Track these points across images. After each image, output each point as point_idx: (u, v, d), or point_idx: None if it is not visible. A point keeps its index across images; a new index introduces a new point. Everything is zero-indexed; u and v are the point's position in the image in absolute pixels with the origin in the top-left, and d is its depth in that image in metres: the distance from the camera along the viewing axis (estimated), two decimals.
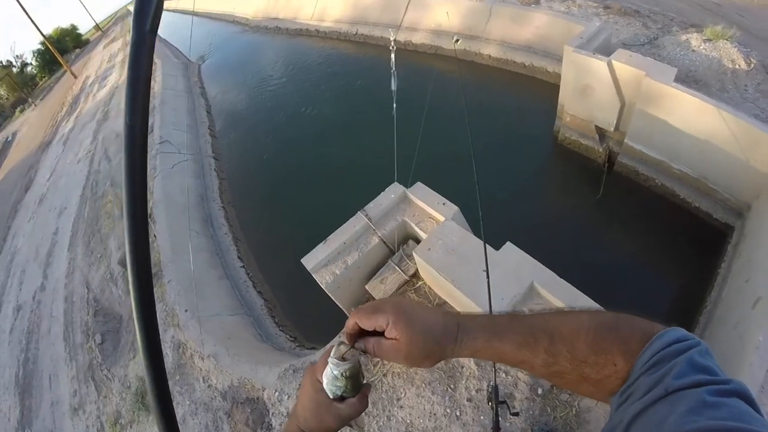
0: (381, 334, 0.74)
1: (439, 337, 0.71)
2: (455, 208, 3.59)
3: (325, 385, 0.75)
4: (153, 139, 8.80)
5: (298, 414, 0.79)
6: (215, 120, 10.87)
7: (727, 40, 5.64)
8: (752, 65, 5.43)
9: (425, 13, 10.07)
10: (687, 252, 4.85)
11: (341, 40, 12.38)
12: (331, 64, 11.45)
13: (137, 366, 4.89)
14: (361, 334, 0.76)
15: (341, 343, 0.77)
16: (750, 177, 4.43)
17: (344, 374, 0.74)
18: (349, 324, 0.76)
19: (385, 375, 3.28)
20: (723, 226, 4.88)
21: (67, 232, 8.33)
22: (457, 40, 8.64)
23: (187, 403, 4.23)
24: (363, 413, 0.80)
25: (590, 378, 0.64)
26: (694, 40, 5.84)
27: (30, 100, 30.46)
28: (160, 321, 5.03)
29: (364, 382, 0.79)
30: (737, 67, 5.43)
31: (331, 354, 0.75)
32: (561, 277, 2.97)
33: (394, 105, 3.89)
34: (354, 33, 11.95)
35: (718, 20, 6.87)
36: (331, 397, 0.75)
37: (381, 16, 11.26)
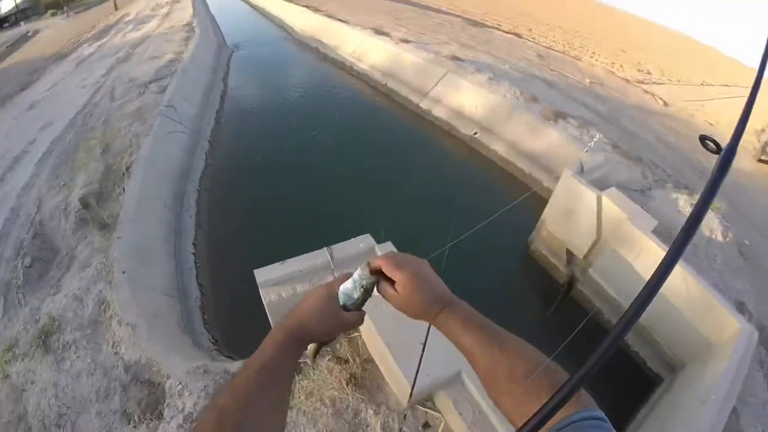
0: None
1: (430, 307, 0.90)
2: None
3: (340, 293, 0.93)
4: (161, 100, 8.87)
5: (300, 314, 0.91)
6: (225, 108, 10.94)
7: (713, 210, 6.04)
8: (728, 239, 5.84)
9: (453, 92, 10.57)
10: (613, 387, 5.02)
11: (369, 85, 12.80)
12: (352, 103, 11.77)
13: (53, 304, 4.72)
14: (380, 271, 0.93)
15: (368, 264, 0.94)
16: (692, 339, 4.68)
17: (364, 286, 0.92)
18: (376, 263, 0.93)
19: (290, 408, 3.28)
20: (654, 375, 5.17)
21: (43, 147, 8.13)
22: (476, 133, 9.08)
23: (88, 360, 4.07)
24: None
25: (515, 396, 0.75)
26: (683, 201, 6.26)
27: (66, 8, 30.12)
28: (95, 271, 4.94)
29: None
30: (713, 237, 5.83)
31: (361, 266, 0.93)
32: None
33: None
34: (383, 84, 12.41)
35: None
36: (342, 304, 0.93)
37: (413, 79, 11.74)
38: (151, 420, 3.52)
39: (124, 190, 6.14)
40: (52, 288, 5.01)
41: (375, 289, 0.95)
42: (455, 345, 0.88)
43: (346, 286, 0.93)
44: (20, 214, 6.39)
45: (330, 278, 3.76)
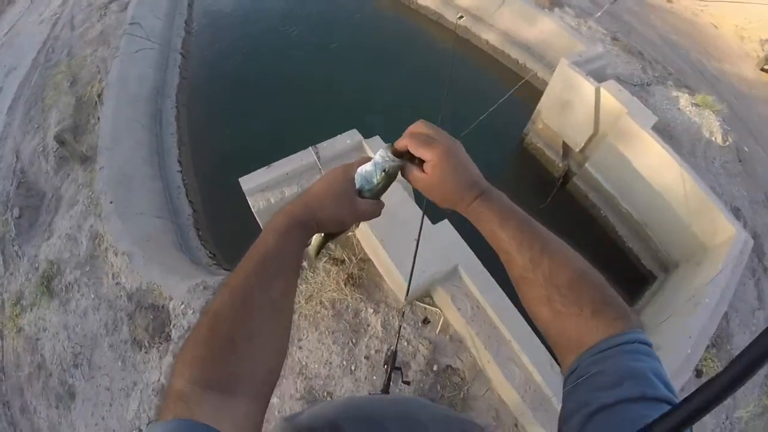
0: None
1: (465, 193, 0.78)
2: None
3: (358, 176, 0.81)
4: (124, 18, 8.15)
5: (309, 197, 0.78)
6: (194, 15, 10.03)
7: (713, 111, 5.88)
8: (727, 143, 5.70)
9: None
10: (607, 280, 5.08)
11: None
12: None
13: (49, 248, 4.63)
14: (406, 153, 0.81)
15: (392, 146, 0.82)
16: (686, 239, 4.70)
17: (387, 170, 0.79)
18: (401, 143, 0.80)
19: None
20: (648, 273, 5.25)
21: (10, 94, 7.67)
22: (461, 17, 8.58)
23: (92, 296, 4.06)
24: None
25: (553, 305, 0.66)
26: (684, 100, 6.01)
27: None
28: (83, 207, 4.79)
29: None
30: (713, 139, 5.68)
31: (384, 147, 0.81)
32: (486, 268, 3.02)
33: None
34: None
35: (711, 92, 7.18)
36: (358, 188, 0.81)
37: None
38: (161, 343, 3.52)
39: (98, 119, 5.80)
40: (45, 233, 4.91)
41: (399, 174, 0.82)
42: (489, 240, 0.77)
43: (366, 168, 0.81)
44: (1, 167, 6.15)
45: (318, 178, 3.53)
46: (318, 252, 0.91)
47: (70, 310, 4.08)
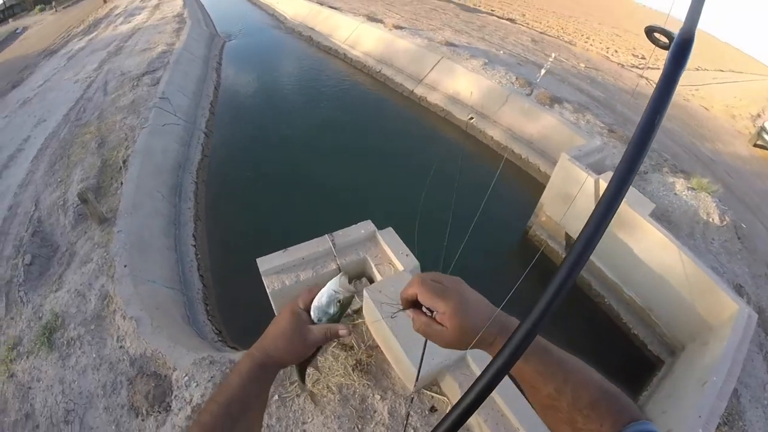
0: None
1: (485, 333, 0.76)
2: (416, 262, 3.73)
3: (314, 309, 0.84)
4: (155, 92, 8.78)
5: (264, 340, 0.85)
6: (219, 98, 10.85)
7: (709, 193, 6.16)
8: (725, 222, 5.91)
9: (448, 79, 10.53)
10: (614, 370, 5.06)
11: (363, 72, 12.70)
12: (346, 90, 11.67)
13: (56, 301, 4.71)
14: (413, 302, 0.82)
15: (344, 275, 0.86)
16: (691, 320, 4.73)
17: (341, 301, 0.84)
18: (409, 292, 0.81)
19: (298, 395, 3.30)
20: (654, 359, 5.20)
21: (38, 144, 8.07)
22: (471, 118, 9.09)
23: (94, 355, 4.09)
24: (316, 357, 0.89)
25: (575, 425, 0.69)
26: (680, 185, 6.34)
27: (54, 3, 29.65)
28: (96, 266, 4.93)
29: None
30: (711, 220, 5.90)
31: (338, 279, 0.85)
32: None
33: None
34: (377, 71, 12.33)
35: (707, 173, 7.45)
36: (316, 319, 0.84)
37: (407, 65, 11.68)
38: (159, 412, 3.53)
39: (121, 183, 6.10)
40: (54, 284, 5.00)
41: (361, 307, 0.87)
42: (512, 372, 0.77)
43: (321, 301, 0.85)
44: (18, 212, 6.36)
45: (333, 265, 3.79)
46: (303, 377, 1.00)
47: (69, 365, 4.08)
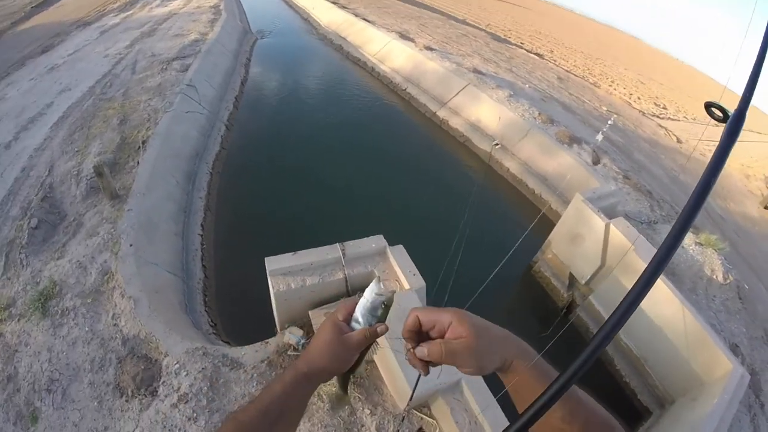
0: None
1: (501, 355, 0.78)
2: (423, 283, 3.73)
3: (361, 316, 0.88)
4: (183, 78, 8.87)
5: (309, 354, 0.87)
6: (245, 94, 10.94)
7: (716, 250, 6.14)
8: (728, 281, 5.89)
9: (472, 105, 10.59)
10: None
11: (389, 88, 12.81)
12: (370, 104, 11.75)
13: (56, 268, 4.69)
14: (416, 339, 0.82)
15: (380, 279, 0.89)
16: (684, 374, 4.71)
17: (385, 303, 0.87)
18: (410, 320, 0.83)
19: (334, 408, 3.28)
20: (643, 409, 5.16)
21: (60, 111, 8.12)
22: (497, 144, 9.11)
23: (86, 329, 4.07)
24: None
25: None
26: (688, 239, 6.29)
27: None
28: (102, 241, 4.93)
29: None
30: (714, 277, 5.88)
31: (378, 283, 0.88)
32: (487, 385, 3.15)
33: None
34: (403, 89, 12.42)
35: (715, 230, 7.42)
36: (366, 325, 0.87)
37: (433, 87, 11.76)
38: (145, 396, 3.50)
39: (138, 163, 6.12)
40: (56, 252, 4.99)
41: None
42: (517, 399, 0.78)
43: (365, 307, 0.87)
44: (31, 174, 6.37)
45: (340, 274, 3.78)
46: (345, 387, 1.02)
47: (60, 334, 4.05)
